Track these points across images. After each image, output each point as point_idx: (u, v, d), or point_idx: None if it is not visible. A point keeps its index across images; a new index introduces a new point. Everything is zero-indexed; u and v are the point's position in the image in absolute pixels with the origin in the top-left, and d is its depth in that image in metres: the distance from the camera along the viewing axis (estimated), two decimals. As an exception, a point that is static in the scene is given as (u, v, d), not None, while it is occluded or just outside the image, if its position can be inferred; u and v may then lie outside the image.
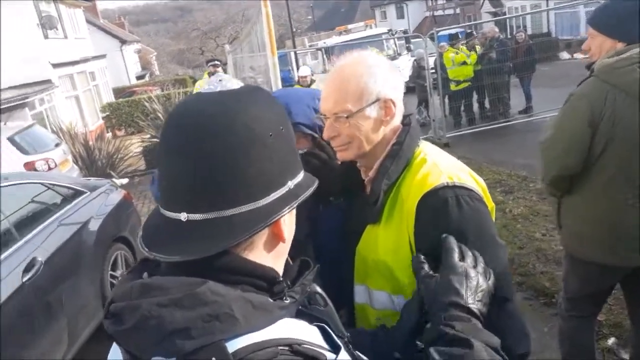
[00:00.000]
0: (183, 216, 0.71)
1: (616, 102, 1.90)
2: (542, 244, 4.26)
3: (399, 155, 1.22)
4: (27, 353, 2.86)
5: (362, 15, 40.21)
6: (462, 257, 1.05)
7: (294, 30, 20.35)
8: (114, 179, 5.45)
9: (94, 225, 3.95)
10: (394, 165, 1.22)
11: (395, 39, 15.34)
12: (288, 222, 0.81)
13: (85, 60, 17.85)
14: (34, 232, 3.36)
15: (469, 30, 11.30)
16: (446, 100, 10.41)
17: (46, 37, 14.74)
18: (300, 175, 0.82)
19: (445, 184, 1.15)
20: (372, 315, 1.27)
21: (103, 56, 21.41)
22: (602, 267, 2.14)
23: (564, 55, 18.52)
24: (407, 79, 12.58)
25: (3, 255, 2.99)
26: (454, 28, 11.78)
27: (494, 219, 1.24)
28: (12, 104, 11.16)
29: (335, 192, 1.45)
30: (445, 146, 8.47)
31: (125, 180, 5.92)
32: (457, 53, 9.81)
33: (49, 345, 3.06)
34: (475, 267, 1.04)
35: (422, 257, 1.07)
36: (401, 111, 1.27)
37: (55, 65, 14.49)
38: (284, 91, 2.03)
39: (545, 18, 22.86)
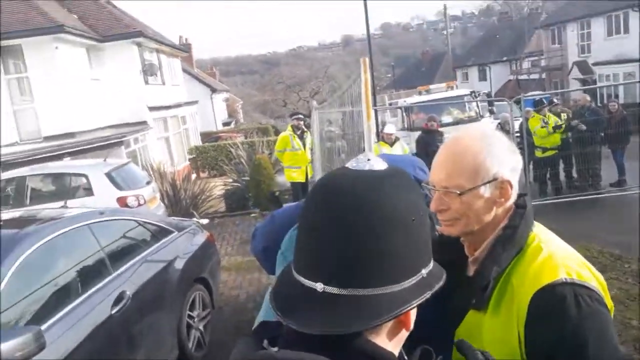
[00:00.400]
0: (319, 287, 0.72)
1: None
2: (640, 332, 3.90)
3: (511, 241, 1.15)
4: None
5: (442, 75, 40.42)
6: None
7: (375, 87, 20.80)
8: (197, 219, 5.69)
9: (178, 264, 4.10)
10: (505, 251, 1.14)
11: (478, 101, 15.21)
12: (414, 312, 0.80)
13: (178, 105, 19.15)
14: (125, 266, 3.54)
15: (551, 97, 10.94)
16: (530, 166, 10.05)
17: (147, 82, 16.04)
18: (431, 264, 0.81)
19: (564, 280, 1.06)
20: None
21: (195, 102, 22.87)
22: None
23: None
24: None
25: (97, 287, 3.17)
26: (543, 95, 11.50)
27: (612, 314, 1.12)
28: (111, 142, 12.11)
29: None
30: (528, 214, 8.10)
31: (206, 221, 6.15)
32: (546, 122, 9.46)
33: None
34: None
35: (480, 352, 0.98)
36: (516, 192, 1.20)
37: (151, 109, 15.65)
38: (385, 158, 2.05)
39: (638, 88, 21.81)
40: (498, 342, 1.10)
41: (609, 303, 1.12)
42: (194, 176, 14.17)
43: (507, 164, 1.16)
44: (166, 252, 4.08)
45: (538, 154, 9.57)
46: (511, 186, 1.16)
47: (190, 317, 4.09)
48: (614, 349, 1.05)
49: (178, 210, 8.98)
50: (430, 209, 1.24)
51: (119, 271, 3.43)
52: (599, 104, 14.20)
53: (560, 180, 9.81)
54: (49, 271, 3.01)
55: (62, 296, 2.95)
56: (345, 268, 0.72)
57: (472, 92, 15.98)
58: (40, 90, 12.57)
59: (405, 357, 0.83)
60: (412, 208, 0.76)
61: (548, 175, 9.79)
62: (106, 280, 3.27)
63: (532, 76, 32.42)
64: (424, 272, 0.77)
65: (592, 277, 1.10)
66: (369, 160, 0.79)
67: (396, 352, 0.79)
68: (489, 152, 1.15)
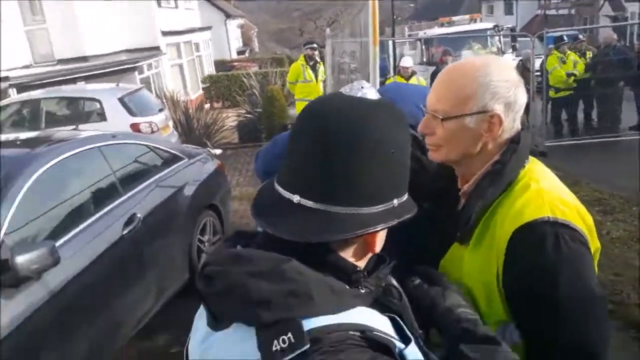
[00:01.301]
0: (296, 198, 0.78)
1: None
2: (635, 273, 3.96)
3: (499, 176, 1.13)
4: (120, 300, 3.12)
5: (468, 7, 38.65)
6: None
7: (395, 17, 20.03)
8: (209, 149, 5.73)
9: (188, 191, 4.18)
10: (492, 186, 1.12)
11: (501, 36, 14.64)
12: (381, 236, 0.85)
13: (191, 30, 18.75)
14: (136, 189, 3.62)
15: (577, 34, 10.45)
16: (549, 106, 9.80)
17: (159, 5, 15.63)
18: (405, 197, 0.86)
19: (547, 219, 1.05)
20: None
21: (208, 28, 22.35)
22: None
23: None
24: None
25: (108, 208, 3.26)
26: (566, 30, 11.00)
27: (596, 261, 1.13)
28: (125, 67, 12.01)
29: (428, 197, 1.36)
30: (541, 155, 7.92)
31: (219, 151, 6.21)
32: (564, 61, 9.11)
33: (139, 295, 3.32)
34: None
35: (418, 279, 1.05)
36: (511, 130, 1.15)
37: (164, 33, 15.35)
38: (395, 86, 2.01)
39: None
40: (476, 275, 1.12)
41: (595, 244, 1.12)
42: (207, 106, 14.11)
43: (503, 98, 1.11)
44: (177, 178, 4.16)
45: (552, 93, 9.29)
46: (501, 122, 1.12)
47: (200, 241, 4.23)
48: (589, 290, 1.05)
49: (191, 140, 9.03)
50: (418, 130, 1.23)
51: (129, 194, 3.51)
52: (627, 44, 13.59)
53: (577, 122, 9.61)
54: (62, 191, 3.10)
55: (74, 215, 3.05)
56: (322, 185, 0.77)
57: (495, 26, 15.31)
58: (52, 11, 12.35)
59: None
60: (394, 141, 0.80)
61: (565, 116, 9.57)
62: (117, 202, 3.36)
63: (561, 11, 30.93)
64: (396, 202, 0.82)
65: (578, 218, 1.09)
66: (362, 88, 0.81)
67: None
68: (484, 83, 1.10)
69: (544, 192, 1.09)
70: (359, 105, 0.80)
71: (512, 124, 1.14)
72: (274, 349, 0.67)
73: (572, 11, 29.51)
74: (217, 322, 0.76)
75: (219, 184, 4.81)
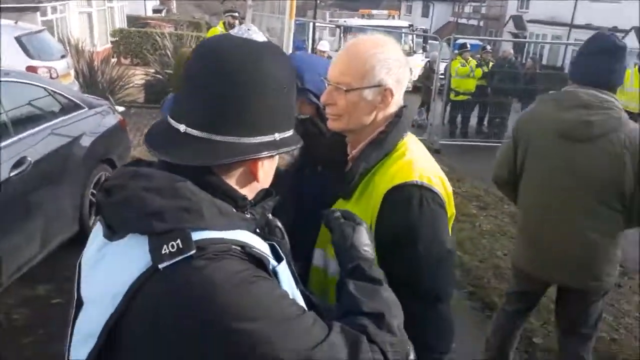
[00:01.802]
0: (182, 128, 0.84)
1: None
2: (501, 262, 4.44)
3: (381, 143, 1.30)
4: (1, 243, 2.99)
5: (388, 3, 39.81)
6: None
7: (319, 1, 20.16)
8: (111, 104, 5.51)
9: (85, 141, 4.04)
10: (375, 151, 1.30)
11: (414, 36, 15.37)
12: (267, 168, 0.93)
13: (104, -22, 17.52)
14: (28, 132, 3.45)
15: (484, 45, 11.36)
16: (448, 107, 10.56)
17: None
18: (289, 133, 0.93)
19: (415, 183, 1.24)
20: (324, 279, 1.35)
21: (124, -21, 20.98)
22: (526, 273, 2.47)
23: (571, 93, 18.64)
24: (416, 78, 12.69)
25: (-4, 147, 3.09)
26: (472, 39, 11.84)
27: (451, 224, 1.35)
28: (25, 5, 10.99)
29: (322, 162, 1.52)
30: (435, 152, 8.62)
31: (122, 109, 5.97)
32: (463, 65, 9.89)
33: (22, 241, 3.19)
34: None
35: (338, 212, 1.14)
36: (397, 104, 1.34)
37: (74, -23, 14.23)
38: (303, 55, 2.10)
39: (562, 52, 23.04)
40: None
41: (451, 210, 1.34)
42: (114, 60, 13.33)
43: (394, 74, 1.29)
44: (74, 127, 4.00)
45: (452, 96, 10.01)
46: (392, 95, 1.30)
47: (94, 195, 4.11)
48: (443, 245, 1.27)
49: (93, 93, 8.49)
50: (321, 101, 1.37)
51: (21, 136, 3.35)
52: (523, 61, 14.90)
53: (469, 125, 10.46)
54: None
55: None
56: (206, 115, 0.84)
57: (410, 26, 16.08)
58: None
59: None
60: (277, 78, 0.87)
61: (459, 119, 10.38)
62: (7, 142, 3.20)
63: (471, 22, 32.97)
64: (277, 136, 0.89)
65: (441, 186, 1.30)
66: (248, 29, 0.89)
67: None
68: (381, 60, 1.27)
69: (415, 161, 1.29)
70: (246, 44, 0.86)
71: (399, 99, 1.34)
72: (163, 252, 0.74)
73: (481, 23, 31.55)
74: (112, 233, 0.81)
75: (118, 139, 4.68)
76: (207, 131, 0.84)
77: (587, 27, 20.21)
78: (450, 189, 1.36)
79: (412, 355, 1.06)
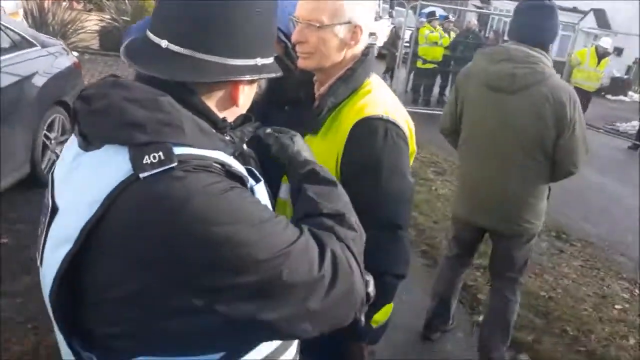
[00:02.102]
0: (164, 43, 0.83)
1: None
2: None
3: (349, 80, 1.34)
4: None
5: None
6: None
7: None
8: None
9: (38, 81, 3.84)
10: (342, 87, 1.34)
11: (381, 1, 15.27)
12: (246, 93, 0.93)
13: None
14: (-26, 67, 3.25)
15: (446, 14, 11.43)
16: (412, 75, 10.64)
17: None
18: (269, 60, 0.94)
19: (380, 116, 1.30)
20: (289, 212, 1.39)
21: None
22: (461, 219, 2.65)
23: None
24: (382, 44, 12.66)
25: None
26: (438, 6, 11.86)
27: (411, 161, 1.42)
28: None
29: (290, 101, 1.53)
30: (397, 117, 8.73)
31: (75, 54, 5.68)
32: (432, 32, 9.97)
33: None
34: None
35: (268, 128, 1.17)
36: (364, 42, 1.38)
37: None
38: None
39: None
40: (322, 159, 1.28)
41: (412, 147, 1.41)
42: (65, 4, 12.59)
43: (363, 12, 1.33)
44: (25, 66, 3.79)
45: (419, 64, 10.10)
46: (361, 32, 1.33)
47: (47, 137, 3.95)
48: (404, 176, 1.34)
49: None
50: (291, 40, 1.39)
51: (-34, 69, 3.15)
52: (486, 35, 15.08)
53: (431, 94, 10.59)
54: None
55: None
56: (189, 31, 0.83)
57: (378, -10, 15.88)
58: None
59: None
60: (260, 1, 0.86)
61: (422, 87, 10.49)
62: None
63: (438, -8, 32.96)
64: (259, 61, 0.90)
65: (404, 122, 1.36)
66: None
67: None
68: None
69: (380, 97, 1.35)
70: None
71: (366, 37, 1.38)
72: (144, 161, 0.74)
73: (448, -7, 31.59)
74: (88, 143, 0.79)
75: (73, 81, 4.46)
76: (190, 48, 0.82)
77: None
78: (412, 127, 1.42)
79: (370, 287, 1.11)
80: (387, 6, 15.67)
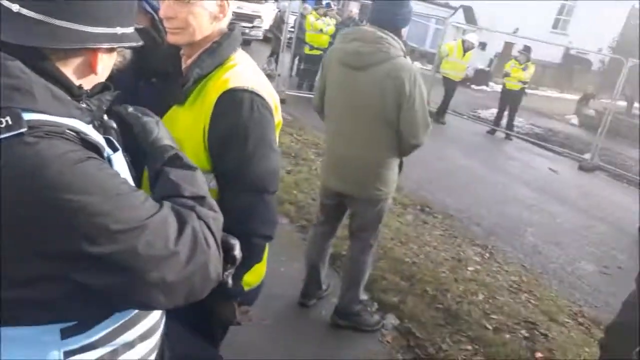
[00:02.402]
0: (15, 7, 0.80)
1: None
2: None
3: (216, 53, 1.38)
4: None
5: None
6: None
7: None
8: None
9: None
10: (209, 60, 1.37)
11: (267, -14, 15.22)
12: (105, 61, 0.94)
13: None
14: None
15: (330, 2, 11.75)
16: (296, 60, 10.81)
17: None
18: (130, 30, 0.94)
19: (245, 88, 1.34)
20: None
21: None
22: (325, 186, 2.90)
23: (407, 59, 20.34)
24: (267, 27, 12.69)
25: None
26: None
27: (278, 132, 1.49)
28: None
29: (157, 73, 1.53)
30: (281, 102, 8.85)
31: None
32: (318, 19, 10.21)
33: None
34: None
35: (130, 107, 1.16)
36: (229, 18, 1.43)
37: None
38: None
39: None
40: (188, 130, 1.36)
41: (278, 119, 1.48)
42: None
43: None
44: None
45: (306, 50, 10.28)
46: (228, 5, 1.38)
47: None
48: (270, 144, 1.40)
49: None
50: (160, 15, 1.38)
51: None
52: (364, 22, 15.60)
53: (315, 79, 10.86)
54: None
55: None
56: None
57: (263, -26, 15.78)
58: None
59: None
60: None
61: (308, 72, 10.70)
62: None
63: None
64: (119, 30, 0.90)
65: (269, 95, 1.42)
66: None
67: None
68: None
69: (246, 71, 1.41)
70: None
71: (230, 13, 1.42)
72: None
73: (333, -17, 32.25)
74: None
75: None
76: (44, 13, 0.81)
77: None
78: (277, 100, 1.49)
79: (237, 250, 1.17)
80: (273, -10, 15.69)
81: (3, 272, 0.75)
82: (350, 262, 2.97)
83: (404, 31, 2.59)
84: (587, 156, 9.16)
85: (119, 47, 0.93)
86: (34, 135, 0.76)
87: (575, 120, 14.40)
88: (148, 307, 0.92)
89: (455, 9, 19.31)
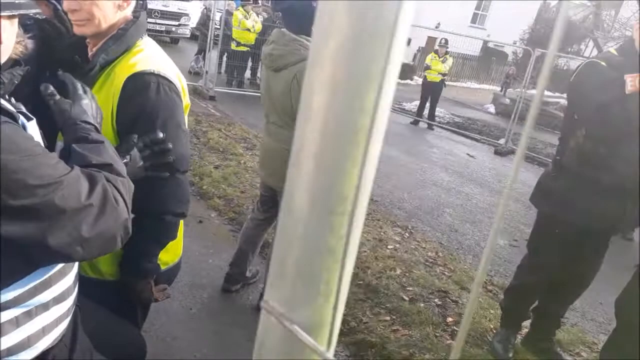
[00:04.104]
0: None
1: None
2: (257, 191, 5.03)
3: (121, 39, 1.42)
4: None
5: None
6: (84, 91, 1.27)
7: None
8: None
9: None
10: (114, 45, 1.41)
11: (192, -18, 15.05)
12: (8, 30, 0.99)
13: None
14: None
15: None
16: (225, 57, 10.82)
17: None
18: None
19: (152, 71, 1.40)
20: None
21: None
22: (260, 177, 3.09)
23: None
24: (194, 25, 12.57)
25: None
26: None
27: (186, 114, 1.57)
28: None
29: (63, 65, 1.52)
30: (211, 99, 8.90)
31: None
32: (245, 17, 10.27)
33: None
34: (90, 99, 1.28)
35: (51, 87, 1.21)
36: (133, 6, 1.48)
37: None
38: None
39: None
40: None
41: (186, 102, 1.56)
42: None
43: None
44: None
45: (232, 46, 10.35)
46: None
47: None
48: (180, 125, 1.47)
49: None
50: (63, 9, 1.43)
51: None
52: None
53: (244, 76, 10.94)
54: None
55: None
56: None
57: (187, -29, 15.57)
58: None
59: None
60: None
61: (235, 69, 10.77)
62: None
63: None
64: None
65: (176, 78, 1.49)
66: None
67: None
68: None
69: (153, 55, 1.47)
70: None
71: (135, 2, 1.49)
72: None
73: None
74: None
75: None
76: None
77: None
78: (185, 84, 1.57)
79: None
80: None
81: None
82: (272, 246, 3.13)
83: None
84: (501, 141, 9.84)
85: (18, 13, 0.99)
86: None
87: (492, 109, 15.34)
88: (68, 257, 1.00)
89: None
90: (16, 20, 1.04)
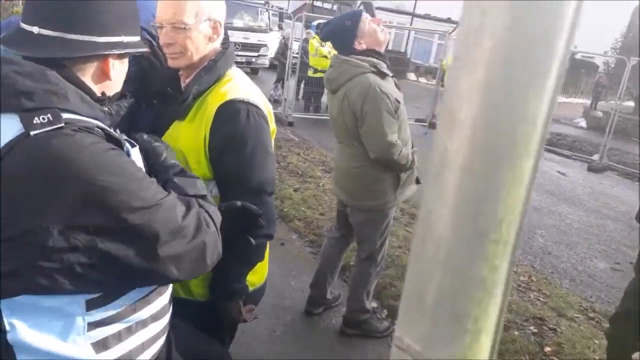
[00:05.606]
0: (35, 29, 0.96)
1: None
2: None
3: (212, 70, 1.50)
4: None
5: (246, -19, 39.23)
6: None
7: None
8: None
9: None
10: (206, 76, 1.49)
11: (270, 14, 15.65)
12: (117, 68, 1.08)
13: None
14: None
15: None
16: (302, 84, 11.06)
17: None
18: (135, 38, 1.09)
19: (242, 99, 1.48)
20: None
21: None
22: (336, 197, 3.06)
23: (412, 76, 20.62)
24: (273, 55, 12.99)
25: None
26: (325, 17, 12.45)
27: (273, 138, 1.62)
28: None
29: (158, 95, 1.64)
30: (289, 125, 9.10)
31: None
32: (321, 45, 10.45)
33: None
34: None
35: (145, 135, 1.29)
36: (222, 37, 1.56)
37: None
38: None
39: (405, 38, 25.22)
40: (190, 142, 1.50)
41: (272, 126, 1.62)
42: None
43: (218, 8, 1.51)
44: None
45: (310, 73, 10.53)
46: (221, 25, 1.51)
47: None
48: (266, 149, 1.54)
49: None
50: (160, 44, 1.52)
51: None
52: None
53: (321, 101, 11.09)
54: None
55: None
56: (56, 15, 0.97)
57: (266, 3, 16.26)
58: None
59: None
60: None
61: (313, 95, 10.94)
62: None
63: (326, 5, 34.17)
64: (125, 38, 1.05)
65: (263, 105, 1.56)
66: None
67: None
68: None
69: (241, 84, 1.54)
70: None
71: (223, 32, 1.56)
72: (34, 122, 0.87)
73: (335, 7, 32.87)
74: None
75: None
76: (60, 30, 0.96)
77: (426, 16, 22.35)
78: (271, 109, 1.63)
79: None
80: (277, 19, 16.11)
81: (32, 244, 0.87)
82: (354, 271, 3.09)
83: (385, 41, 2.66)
84: (595, 157, 9.18)
85: (125, 52, 1.07)
86: (72, 129, 0.91)
87: (583, 123, 14.41)
88: (164, 277, 1.04)
89: (458, 23, 19.50)
90: (126, 60, 1.11)
